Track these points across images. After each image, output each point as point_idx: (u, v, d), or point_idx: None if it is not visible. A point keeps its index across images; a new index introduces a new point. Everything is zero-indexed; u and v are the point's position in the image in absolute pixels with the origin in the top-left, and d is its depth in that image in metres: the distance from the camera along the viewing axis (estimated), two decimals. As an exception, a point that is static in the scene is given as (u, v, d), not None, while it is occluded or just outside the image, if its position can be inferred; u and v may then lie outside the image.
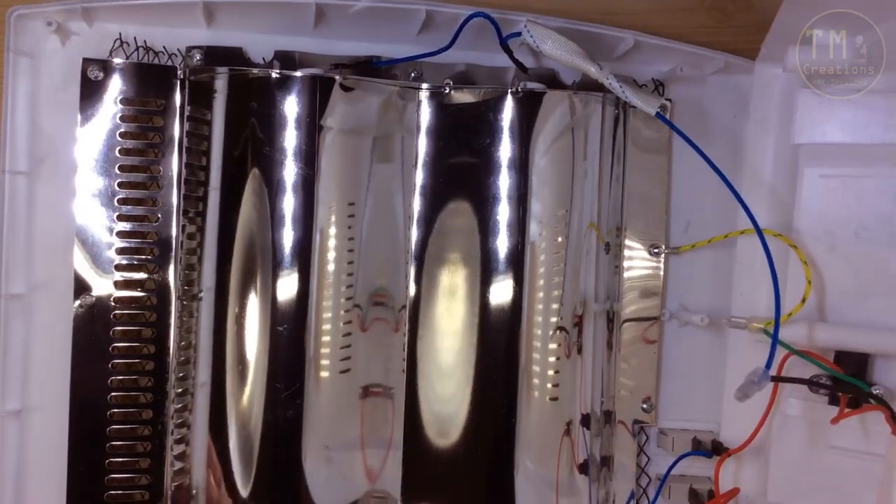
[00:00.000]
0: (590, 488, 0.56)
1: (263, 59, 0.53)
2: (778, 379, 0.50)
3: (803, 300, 0.50)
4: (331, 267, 0.52)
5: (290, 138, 0.51)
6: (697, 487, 0.56)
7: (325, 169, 0.51)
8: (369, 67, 0.53)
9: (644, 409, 0.57)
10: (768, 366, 0.48)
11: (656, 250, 0.57)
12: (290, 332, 0.51)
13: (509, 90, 0.52)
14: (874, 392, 0.49)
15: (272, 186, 0.51)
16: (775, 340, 0.49)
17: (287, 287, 0.51)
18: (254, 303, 0.51)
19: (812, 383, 0.51)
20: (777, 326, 0.49)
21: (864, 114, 0.52)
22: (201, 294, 0.52)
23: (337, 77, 0.51)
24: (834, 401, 0.51)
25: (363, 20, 0.53)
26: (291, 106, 0.50)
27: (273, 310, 0.51)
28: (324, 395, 0.52)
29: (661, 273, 0.57)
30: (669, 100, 0.56)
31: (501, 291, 0.53)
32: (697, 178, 0.56)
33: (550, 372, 0.54)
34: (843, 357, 0.51)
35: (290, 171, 0.51)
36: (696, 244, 0.57)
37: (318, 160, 0.51)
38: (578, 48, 0.49)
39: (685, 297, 0.58)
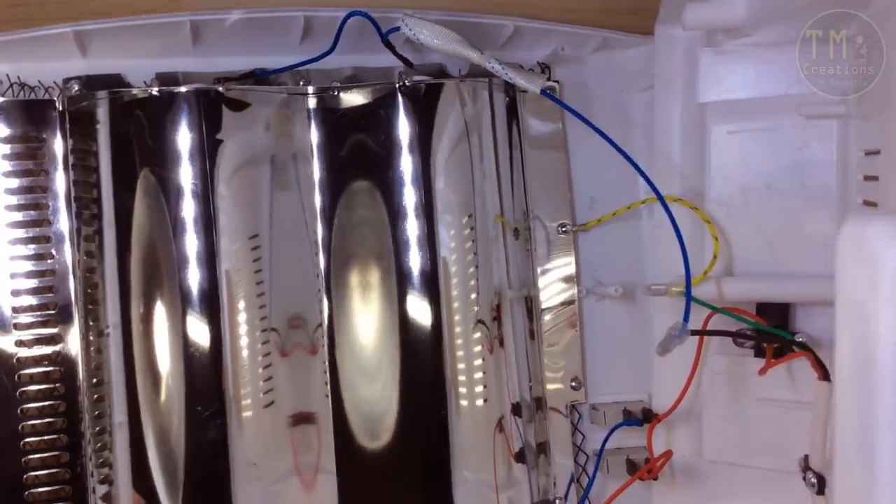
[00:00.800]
0: (529, 476, 0.55)
1: (145, 82, 0.52)
2: (699, 332, 0.50)
3: (714, 257, 0.50)
4: (241, 302, 0.51)
5: (180, 160, 0.50)
6: (634, 457, 0.56)
7: (225, 199, 0.50)
8: (254, 80, 0.53)
9: (573, 388, 0.57)
10: (686, 319, 0.48)
11: (564, 229, 0.57)
12: (206, 370, 0.50)
13: (396, 85, 0.52)
14: (797, 339, 0.49)
15: (169, 214, 0.50)
16: (689, 295, 0.49)
17: (197, 324, 0.50)
18: (163, 339, 0.50)
19: (735, 335, 0.51)
20: (689, 280, 0.49)
21: (765, 67, 0.52)
22: (108, 330, 0.50)
23: (220, 89, 0.50)
24: (760, 353, 0.51)
25: (242, 34, 0.53)
26: (177, 126, 0.50)
27: (185, 346, 0.50)
28: (249, 431, 0.51)
29: (573, 251, 0.57)
30: (557, 81, 0.57)
31: (417, 297, 0.53)
32: (596, 156, 0.57)
33: (478, 375, 0.53)
34: (764, 309, 0.52)
35: (186, 198, 0.50)
36: (602, 218, 0.57)
37: (213, 181, 0.50)
38: (457, 36, 0.49)
39: (599, 272, 0.58)
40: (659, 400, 0.57)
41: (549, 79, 0.57)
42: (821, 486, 0.46)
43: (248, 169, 0.51)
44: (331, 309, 0.53)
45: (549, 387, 0.57)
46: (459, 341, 0.53)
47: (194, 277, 0.49)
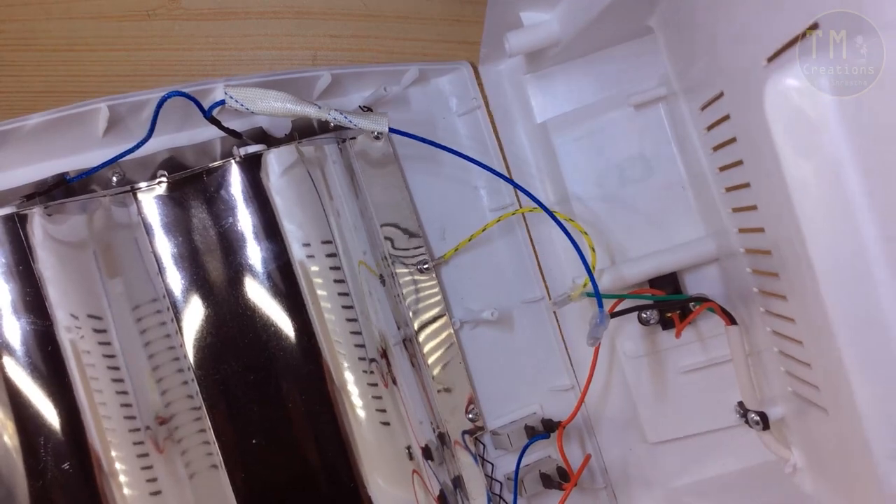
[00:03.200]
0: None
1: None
2: (617, 314, 0.51)
3: (592, 249, 0.51)
4: (104, 401, 0.45)
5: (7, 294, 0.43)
6: (545, 470, 0.55)
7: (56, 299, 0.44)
8: (64, 186, 0.47)
9: (471, 419, 0.56)
10: (600, 305, 0.49)
11: (426, 266, 0.56)
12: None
13: (233, 161, 0.48)
14: (694, 295, 0.53)
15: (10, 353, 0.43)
16: (595, 284, 0.50)
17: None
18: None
19: (643, 308, 0.53)
20: (590, 272, 0.50)
21: (585, 77, 0.56)
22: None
23: (34, 210, 0.44)
24: (666, 325, 0.54)
25: (38, 138, 0.46)
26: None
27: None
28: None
29: (437, 286, 0.56)
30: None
31: (300, 356, 0.49)
32: (436, 186, 0.57)
33: (376, 406, 0.50)
34: (657, 284, 0.54)
35: (22, 331, 0.44)
36: (459, 246, 0.56)
37: (49, 307, 0.44)
38: (287, 95, 0.46)
39: (466, 299, 0.58)
40: (550, 407, 0.58)
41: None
42: (765, 423, 0.49)
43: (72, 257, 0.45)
44: (204, 393, 0.48)
45: (450, 423, 0.55)
46: (352, 388, 0.50)
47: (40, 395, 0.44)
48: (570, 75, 0.56)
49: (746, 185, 0.43)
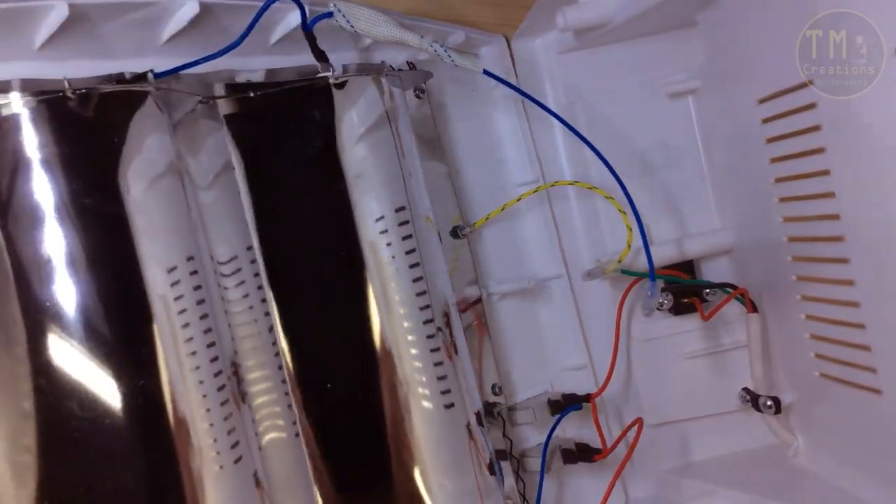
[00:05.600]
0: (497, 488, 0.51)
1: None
2: (668, 287, 0.53)
3: (629, 229, 0.52)
4: (186, 345, 0.39)
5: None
6: (564, 446, 0.54)
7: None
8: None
9: (495, 394, 0.54)
10: (653, 278, 0.50)
11: (464, 231, 0.54)
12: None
13: (330, 80, 0.44)
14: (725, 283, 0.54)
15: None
16: (649, 257, 0.51)
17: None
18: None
19: (688, 283, 0.54)
20: (646, 244, 0.51)
21: (626, 60, 0.57)
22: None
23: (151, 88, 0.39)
24: (679, 311, 0.56)
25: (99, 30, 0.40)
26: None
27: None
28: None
29: (469, 254, 0.54)
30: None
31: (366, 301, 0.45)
32: (459, 157, 0.56)
33: (442, 382, 0.47)
34: (674, 269, 0.56)
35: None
36: (490, 215, 0.55)
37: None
38: (394, 20, 0.44)
39: (486, 273, 0.56)
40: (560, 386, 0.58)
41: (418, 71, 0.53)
42: (777, 407, 0.52)
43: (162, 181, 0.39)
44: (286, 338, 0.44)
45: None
46: (415, 351, 0.46)
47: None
48: (602, 58, 0.57)
49: (825, 173, 0.45)
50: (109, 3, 0.39)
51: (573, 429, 0.56)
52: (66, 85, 0.36)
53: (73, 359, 0.36)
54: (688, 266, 0.56)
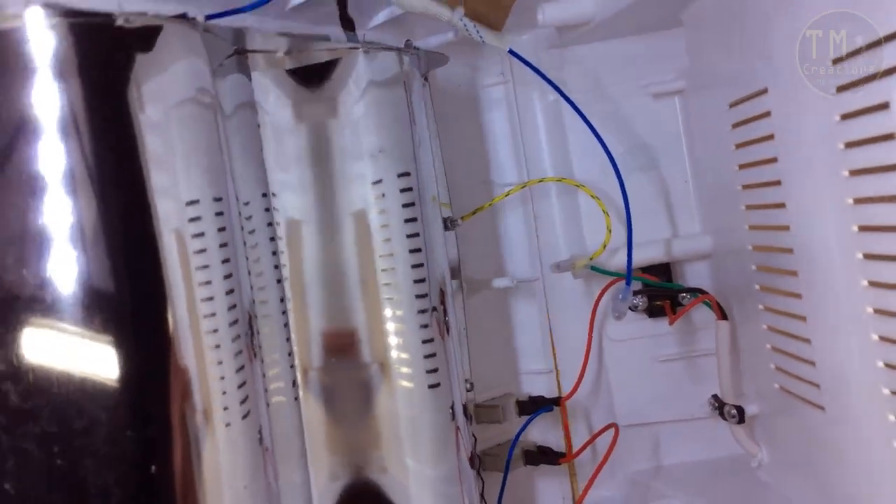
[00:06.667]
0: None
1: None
2: (642, 290, 0.53)
3: (609, 229, 0.52)
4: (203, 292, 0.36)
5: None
6: (525, 447, 0.55)
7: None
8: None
9: (467, 390, 0.53)
10: (628, 282, 0.50)
11: (455, 223, 0.54)
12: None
13: (360, 49, 0.45)
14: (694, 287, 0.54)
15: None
16: (630, 256, 0.51)
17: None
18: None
19: (634, 294, 0.54)
20: (630, 241, 0.51)
21: (609, 59, 0.57)
22: None
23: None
24: (654, 313, 0.56)
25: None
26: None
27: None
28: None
29: (455, 246, 0.55)
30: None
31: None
32: (447, 151, 0.56)
33: (429, 360, 0.46)
34: (650, 272, 0.56)
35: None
36: (480, 209, 0.55)
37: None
38: None
39: (466, 267, 0.56)
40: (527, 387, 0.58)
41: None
42: (741, 416, 0.51)
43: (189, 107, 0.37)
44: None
45: None
46: (407, 327, 0.45)
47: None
48: (590, 57, 0.57)
49: (776, 183, 0.44)
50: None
51: (537, 430, 0.57)
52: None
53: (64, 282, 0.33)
54: (664, 268, 0.56)
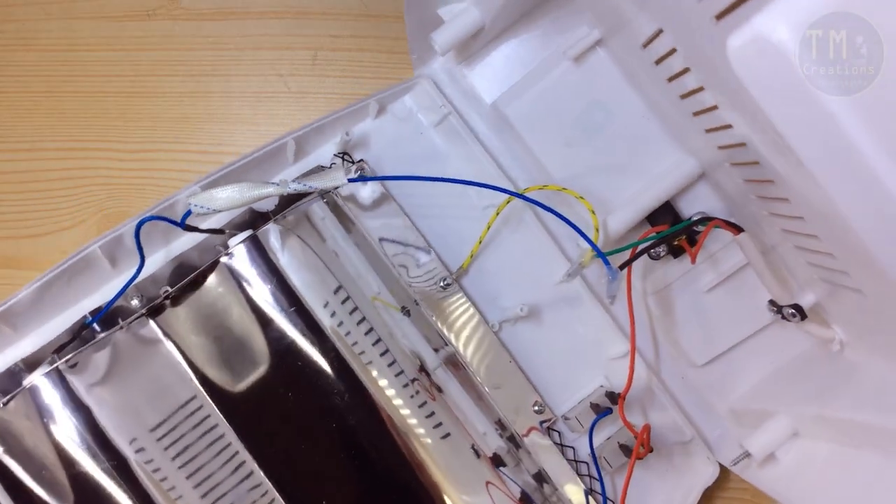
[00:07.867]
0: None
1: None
2: (627, 263, 0.51)
3: (592, 212, 0.51)
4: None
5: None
6: (623, 441, 0.55)
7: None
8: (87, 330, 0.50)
9: (537, 412, 0.55)
10: (607, 264, 0.49)
11: (447, 283, 0.55)
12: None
13: (220, 258, 0.51)
14: (697, 218, 0.54)
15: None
16: (595, 246, 0.50)
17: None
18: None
19: (650, 248, 0.54)
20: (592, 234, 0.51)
21: (516, 48, 0.58)
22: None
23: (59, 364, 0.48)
24: (677, 253, 0.56)
25: (52, 293, 0.50)
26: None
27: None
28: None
29: (465, 297, 0.56)
30: (361, 159, 0.56)
31: (349, 399, 0.53)
32: (428, 200, 0.58)
33: (429, 418, 0.54)
34: (656, 217, 0.55)
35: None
36: (472, 252, 0.56)
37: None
38: (247, 183, 0.46)
39: (500, 299, 0.58)
40: (615, 376, 0.58)
41: (351, 160, 0.56)
42: (801, 313, 0.51)
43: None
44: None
45: (516, 422, 0.55)
46: (399, 401, 0.54)
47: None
48: (501, 51, 0.58)
49: (714, 108, 0.43)
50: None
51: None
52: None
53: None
54: (668, 209, 0.55)
